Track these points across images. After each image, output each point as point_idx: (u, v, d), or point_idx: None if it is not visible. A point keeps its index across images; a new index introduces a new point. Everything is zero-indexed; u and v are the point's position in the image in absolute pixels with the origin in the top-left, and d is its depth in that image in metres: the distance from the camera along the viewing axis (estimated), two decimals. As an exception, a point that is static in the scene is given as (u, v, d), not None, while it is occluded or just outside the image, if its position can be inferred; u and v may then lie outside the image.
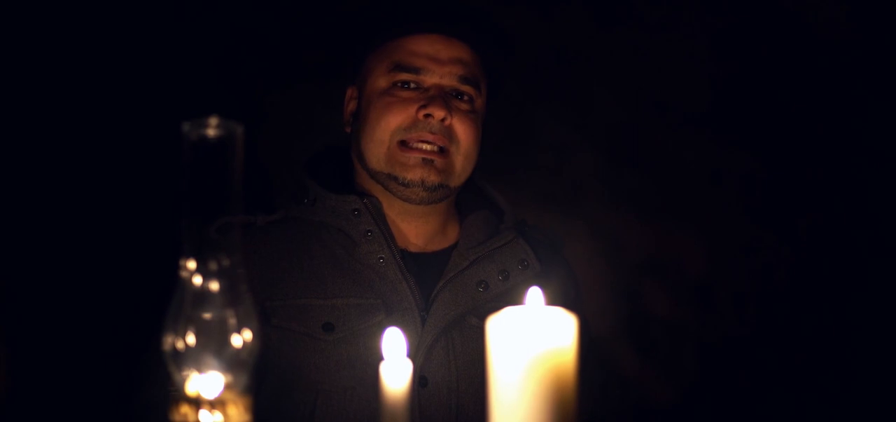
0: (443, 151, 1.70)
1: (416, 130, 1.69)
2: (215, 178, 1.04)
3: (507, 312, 0.99)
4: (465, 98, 1.72)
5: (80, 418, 2.06)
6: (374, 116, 1.71)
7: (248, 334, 1.03)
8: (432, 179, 1.69)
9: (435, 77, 1.71)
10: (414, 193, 1.71)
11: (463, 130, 1.71)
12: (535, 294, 1.04)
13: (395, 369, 0.99)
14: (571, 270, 1.85)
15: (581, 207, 2.62)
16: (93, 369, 2.10)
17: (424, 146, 1.69)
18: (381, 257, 1.68)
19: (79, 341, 2.14)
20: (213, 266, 1.03)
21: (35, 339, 2.09)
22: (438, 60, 1.71)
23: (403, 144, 1.69)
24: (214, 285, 1.03)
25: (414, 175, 1.69)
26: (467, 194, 1.84)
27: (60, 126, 2.22)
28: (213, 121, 1.04)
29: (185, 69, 2.28)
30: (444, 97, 1.70)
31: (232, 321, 1.02)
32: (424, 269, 1.73)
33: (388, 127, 1.70)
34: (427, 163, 1.69)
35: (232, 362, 1.02)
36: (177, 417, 1.01)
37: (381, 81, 1.72)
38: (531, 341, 0.98)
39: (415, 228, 1.75)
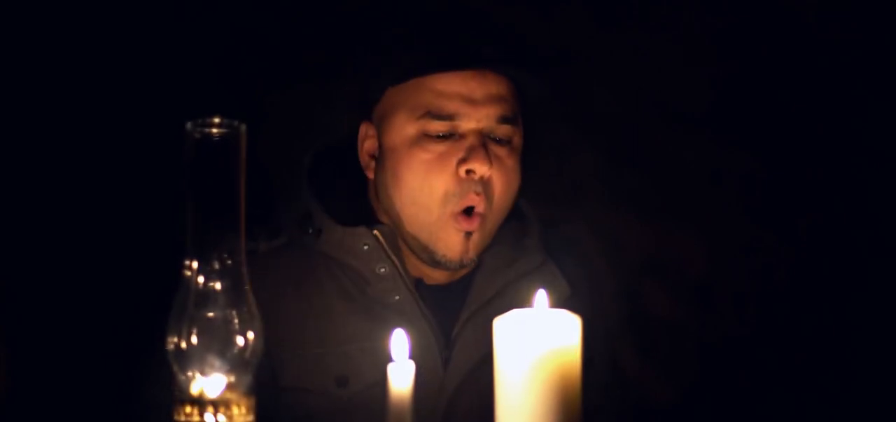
0: (482, 220, 1.50)
1: (462, 193, 1.48)
2: (218, 177, 1.04)
3: (513, 314, 0.99)
4: (505, 140, 1.51)
5: (80, 417, 2.05)
6: (409, 176, 1.50)
7: (251, 334, 1.03)
8: (470, 256, 1.51)
9: (471, 121, 1.49)
10: (438, 273, 1.55)
11: (501, 185, 1.50)
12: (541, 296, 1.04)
13: (401, 370, 0.99)
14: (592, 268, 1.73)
15: (581, 206, 2.62)
16: (94, 369, 2.10)
17: (468, 215, 1.49)
18: (397, 296, 1.51)
19: (80, 340, 2.14)
20: (216, 265, 1.03)
21: (35, 338, 2.09)
22: (474, 102, 1.49)
23: (453, 213, 1.49)
24: (217, 285, 1.03)
25: (454, 254, 1.50)
26: None
27: (60, 125, 2.22)
28: (217, 120, 1.04)
29: (187, 68, 2.28)
30: (485, 145, 1.49)
31: (235, 321, 1.02)
32: (446, 300, 1.55)
33: (433, 194, 1.49)
34: (467, 237, 1.50)
35: (235, 361, 1.02)
36: (180, 417, 1.01)
37: (409, 129, 1.50)
38: (536, 342, 0.98)
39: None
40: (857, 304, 2.60)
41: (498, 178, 1.50)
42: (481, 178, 1.48)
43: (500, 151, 1.51)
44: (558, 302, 1.53)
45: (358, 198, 1.60)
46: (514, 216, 1.60)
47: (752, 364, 2.64)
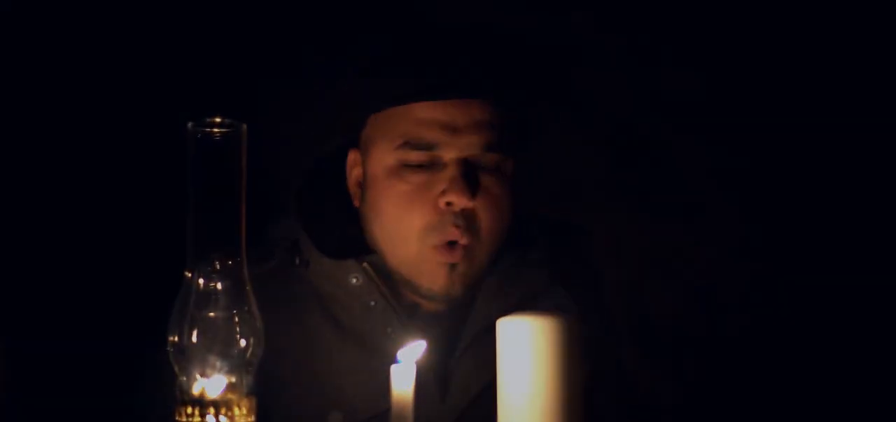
0: (466, 252, 1.41)
1: (442, 227, 1.40)
2: (219, 177, 1.04)
3: (517, 318, 0.99)
4: (492, 168, 1.43)
5: (80, 416, 2.05)
6: (389, 207, 1.43)
7: (252, 335, 1.03)
8: (456, 290, 1.43)
9: (453, 151, 1.41)
10: (432, 303, 1.46)
11: (488, 216, 1.42)
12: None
13: (403, 371, 0.99)
14: (599, 278, 1.61)
15: (581, 206, 2.62)
16: (94, 369, 2.10)
17: (451, 247, 1.41)
18: (389, 329, 1.44)
19: (81, 340, 2.14)
20: (217, 265, 1.03)
21: (35, 338, 2.09)
22: (456, 130, 1.41)
23: (434, 247, 1.41)
24: (218, 285, 1.03)
25: (439, 288, 1.42)
26: None
27: (61, 124, 2.22)
28: (218, 120, 1.04)
29: (188, 68, 2.28)
30: (467, 175, 1.41)
31: (236, 321, 1.02)
32: (444, 328, 1.47)
33: (412, 227, 1.41)
34: (452, 269, 1.42)
35: (236, 362, 1.02)
36: (181, 417, 1.01)
37: (388, 159, 1.43)
38: (541, 347, 0.98)
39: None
40: (858, 303, 2.60)
41: (484, 208, 1.42)
42: (463, 210, 1.40)
43: (488, 180, 1.42)
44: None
45: (355, 223, 1.52)
46: (520, 230, 1.52)
47: (751, 364, 2.64)
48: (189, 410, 1.00)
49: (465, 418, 1.45)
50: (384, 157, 1.42)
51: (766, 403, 2.65)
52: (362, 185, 1.47)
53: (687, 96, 2.62)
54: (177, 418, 1.01)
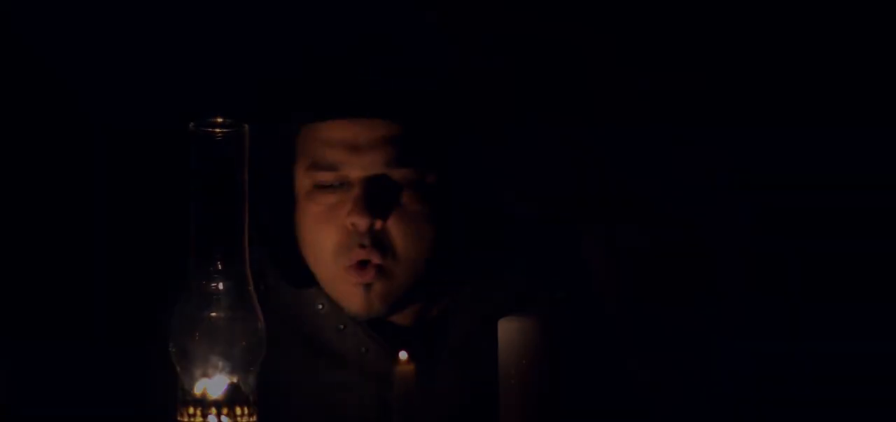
0: (381, 271, 1.39)
1: (349, 248, 1.38)
2: (221, 177, 1.04)
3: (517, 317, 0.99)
4: (405, 183, 1.40)
5: (80, 417, 2.05)
6: (305, 230, 1.43)
7: (254, 335, 1.03)
8: (377, 307, 1.40)
9: (356, 170, 1.39)
10: (399, 317, 1.45)
11: (401, 234, 1.40)
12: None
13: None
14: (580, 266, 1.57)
15: (583, 206, 2.62)
16: (96, 370, 2.10)
17: (361, 267, 1.39)
18: (363, 349, 1.44)
19: (82, 340, 2.14)
20: (219, 266, 1.03)
21: (35, 337, 2.09)
22: (358, 149, 1.39)
23: (346, 268, 1.40)
24: (220, 285, 1.03)
25: (357, 308, 1.41)
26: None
27: (62, 123, 2.22)
28: (220, 120, 1.04)
29: (190, 68, 2.28)
30: (372, 194, 1.39)
31: (238, 321, 1.03)
32: (417, 339, 1.45)
33: (325, 248, 1.40)
34: (367, 289, 1.40)
35: (238, 363, 1.02)
36: (183, 418, 1.01)
37: (304, 181, 1.42)
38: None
39: (396, 314, 1.46)
40: (858, 303, 2.61)
41: (397, 225, 1.39)
42: (371, 229, 1.38)
43: (402, 197, 1.40)
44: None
45: None
46: (490, 234, 1.51)
47: (751, 362, 2.65)
48: (191, 410, 1.01)
49: None
50: (301, 179, 1.41)
51: (763, 401, 2.66)
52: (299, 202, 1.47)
53: (686, 96, 2.63)
54: (179, 418, 1.01)
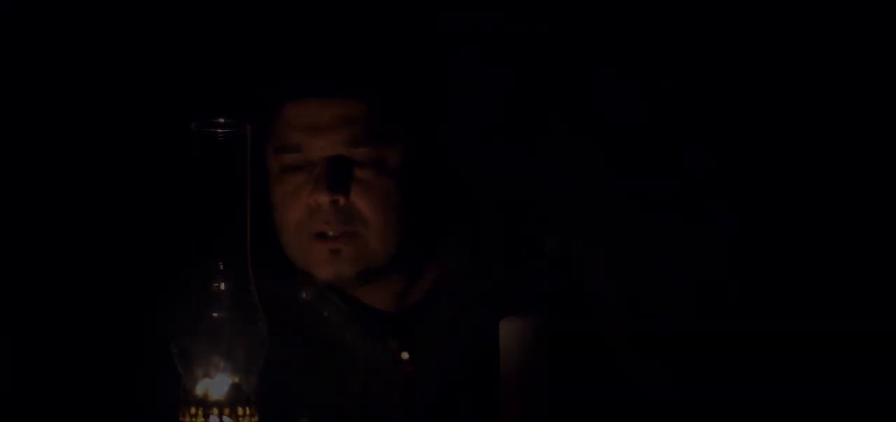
0: (349, 236, 1.44)
1: (313, 222, 1.44)
2: (223, 177, 1.04)
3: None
4: (367, 161, 1.44)
5: (80, 417, 2.06)
6: (277, 207, 1.47)
7: (256, 335, 1.03)
8: (345, 271, 1.44)
9: (315, 150, 1.44)
10: (382, 301, 1.49)
11: (367, 208, 1.44)
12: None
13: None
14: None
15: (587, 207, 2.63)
16: (98, 371, 2.10)
17: (329, 233, 1.44)
18: (348, 336, 1.48)
19: (84, 342, 2.15)
20: (220, 265, 1.03)
21: (37, 339, 2.10)
22: (318, 129, 1.44)
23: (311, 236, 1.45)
24: (222, 285, 1.03)
25: (325, 272, 1.45)
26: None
27: (65, 124, 2.22)
28: (222, 120, 1.04)
29: (191, 67, 2.28)
30: (333, 173, 1.43)
31: (240, 321, 1.03)
32: (400, 325, 1.50)
33: (292, 223, 1.45)
34: (335, 254, 1.44)
35: (240, 363, 1.02)
36: (185, 418, 1.01)
37: (272, 163, 1.47)
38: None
39: (374, 293, 1.50)
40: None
41: (363, 201, 1.43)
42: (334, 205, 1.42)
43: (365, 174, 1.44)
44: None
45: None
46: (473, 228, 1.55)
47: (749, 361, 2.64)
48: (193, 410, 1.01)
49: (435, 412, 1.46)
50: (271, 162, 1.46)
51: (762, 398, 2.66)
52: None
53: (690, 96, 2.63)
54: (180, 418, 1.01)
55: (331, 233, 1.43)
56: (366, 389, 1.44)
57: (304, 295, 1.46)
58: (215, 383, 1.01)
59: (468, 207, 1.57)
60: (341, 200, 1.42)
